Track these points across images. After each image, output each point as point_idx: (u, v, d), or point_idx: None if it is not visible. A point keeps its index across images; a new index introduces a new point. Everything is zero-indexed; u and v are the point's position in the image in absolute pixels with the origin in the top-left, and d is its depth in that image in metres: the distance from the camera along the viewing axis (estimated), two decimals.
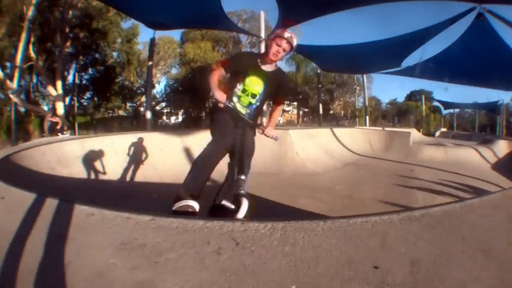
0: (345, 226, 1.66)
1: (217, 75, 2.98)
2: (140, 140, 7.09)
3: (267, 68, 3.06)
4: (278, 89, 3.18)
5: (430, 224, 1.77)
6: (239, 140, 2.84)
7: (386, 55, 14.71)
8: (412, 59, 15.84)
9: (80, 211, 1.80)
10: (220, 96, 2.76)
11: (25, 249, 1.34)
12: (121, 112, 31.75)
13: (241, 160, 2.75)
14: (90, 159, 5.99)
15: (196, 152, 7.49)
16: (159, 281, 1.16)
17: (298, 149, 9.02)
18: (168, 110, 34.25)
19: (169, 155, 7.25)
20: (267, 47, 3.01)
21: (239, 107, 3.03)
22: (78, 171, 5.57)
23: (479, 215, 2.02)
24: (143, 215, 1.73)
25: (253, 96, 3.04)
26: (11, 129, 15.36)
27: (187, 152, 7.60)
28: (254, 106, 3.08)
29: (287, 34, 2.92)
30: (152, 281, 1.15)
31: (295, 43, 2.94)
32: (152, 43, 13.28)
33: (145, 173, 6.59)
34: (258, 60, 3.07)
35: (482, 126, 46.23)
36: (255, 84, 3.02)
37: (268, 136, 3.05)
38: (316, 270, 1.24)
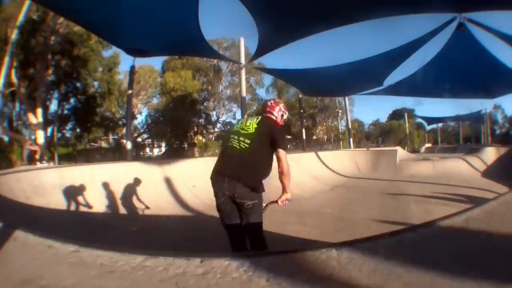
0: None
1: None
2: (120, 170, 6.77)
3: None
4: None
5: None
6: None
7: (368, 74, 14.61)
8: (394, 77, 15.85)
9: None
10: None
11: None
12: (103, 144, 31.21)
13: None
14: (68, 189, 5.64)
15: (177, 181, 7.30)
16: None
17: None
18: (150, 142, 33.78)
19: (149, 185, 6.80)
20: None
21: None
22: (55, 201, 5.23)
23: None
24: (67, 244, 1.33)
25: None
26: None
27: (168, 182, 7.24)
28: None
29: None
30: None
31: None
32: (132, 70, 12.89)
33: (125, 204, 6.21)
34: None
35: (466, 137, 47.03)
36: None
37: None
38: None
